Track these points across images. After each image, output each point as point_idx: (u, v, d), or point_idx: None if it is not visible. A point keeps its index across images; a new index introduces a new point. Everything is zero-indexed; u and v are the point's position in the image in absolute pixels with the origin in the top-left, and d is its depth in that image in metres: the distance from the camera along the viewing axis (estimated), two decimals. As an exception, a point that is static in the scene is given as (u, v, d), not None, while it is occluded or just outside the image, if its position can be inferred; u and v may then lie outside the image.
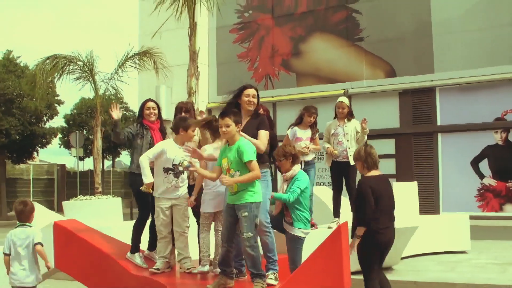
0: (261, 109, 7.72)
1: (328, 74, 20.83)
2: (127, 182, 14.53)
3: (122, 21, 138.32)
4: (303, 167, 10.18)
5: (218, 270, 6.76)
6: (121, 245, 8.49)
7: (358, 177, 10.35)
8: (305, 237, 7.24)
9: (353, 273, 8.83)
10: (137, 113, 8.77)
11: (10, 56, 34.47)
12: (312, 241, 6.05)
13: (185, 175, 7.53)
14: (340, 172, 10.40)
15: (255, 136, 6.79)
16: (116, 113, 8.15)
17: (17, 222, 7.47)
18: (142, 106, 8.41)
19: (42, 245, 7.23)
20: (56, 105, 36.42)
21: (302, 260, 7.02)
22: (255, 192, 6.29)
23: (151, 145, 7.96)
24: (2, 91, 31.73)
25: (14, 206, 7.62)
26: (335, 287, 5.80)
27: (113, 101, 8.42)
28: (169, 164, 7.38)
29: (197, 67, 15.45)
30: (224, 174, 6.34)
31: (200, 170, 6.71)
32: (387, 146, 19.04)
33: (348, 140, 10.38)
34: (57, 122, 40.58)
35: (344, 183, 10.56)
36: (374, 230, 7.01)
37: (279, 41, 21.94)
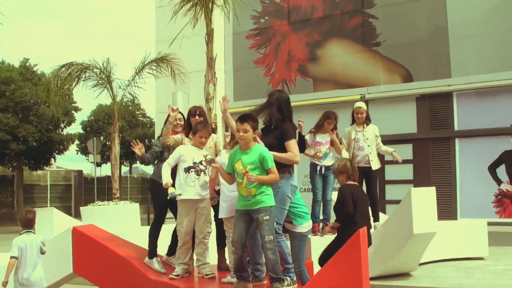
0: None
1: (344, 79, 20.81)
2: (146, 188, 14.49)
3: (138, 29, 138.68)
4: (323, 172, 10.22)
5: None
6: (139, 250, 8.53)
7: (379, 182, 10.45)
8: (308, 234, 7.28)
9: (372, 278, 8.87)
10: (154, 120, 8.83)
11: (27, 64, 34.73)
12: (323, 247, 6.04)
13: (206, 177, 7.49)
14: (362, 177, 10.40)
15: (272, 146, 6.74)
16: (139, 150, 8.32)
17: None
18: (168, 117, 8.48)
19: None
20: (73, 112, 36.64)
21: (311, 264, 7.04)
22: (271, 195, 6.33)
23: None
24: (19, 98, 31.98)
25: (22, 215, 8.03)
26: (354, 293, 5.80)
27: (133, 140, 8.51)
28: (189, 163, 7.43)
29: (215, 73, 15.49)
30: (239, 178, 6.34)
31: (221, 168, 6.70)
32: (405, 151, 18.92)
33: (369, 145, 10.41)
34: (75, 128, 40.83)
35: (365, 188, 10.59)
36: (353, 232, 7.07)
37: (295, 46, 21.95)
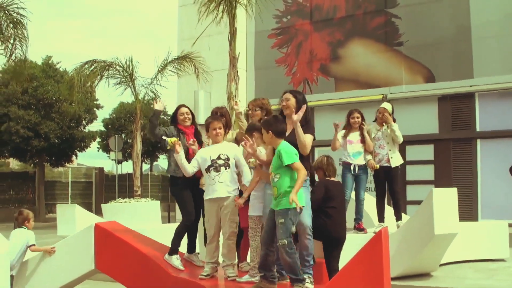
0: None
1: (366, 79, 20.74)
2: (166, 185, 14.54)
3: (160, 28, 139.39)
4: (356, 171, 10.24)
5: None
6: (160, 247, 8.58)
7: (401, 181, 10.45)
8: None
9: (393, 278, 8.86)
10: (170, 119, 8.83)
11: (50, 62, 34.99)
12: (355, 245, 6.06)
13: (228, 172, 7.43)
14: (383, 177, 10.41)
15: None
16: (159, 105, 8.30)
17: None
18: (176, 112, 8.48)
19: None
20: (95, 109, 36.88)
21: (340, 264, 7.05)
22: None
23: (187, 149, 8.04)
24: (41, 95, 32.23)
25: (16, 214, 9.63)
26: (375, 292, 5.81)
27: (157, 97, 8.56)
28: (208, 162, 7.43)
29: (237, 72, 15.55)
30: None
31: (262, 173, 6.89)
32: (426, 152, 18.92)
33: (388, 143, 10.41)
34: (96, 126, 41.11)
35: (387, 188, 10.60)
36: (326, 225, 7.47)
37: (317, 46, 21.91)
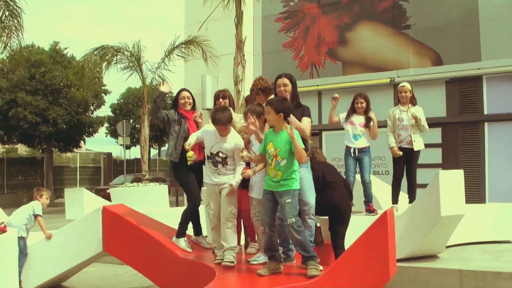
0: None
1: (374, 62, 20.67)
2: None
3: (167, 13, 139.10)
4: (356, 154, 10.24)
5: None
6: (167, 229, 8.65)
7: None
8: None
9: (399, 260, 8.89)
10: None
11: (57, 48, 35.05)
12: (363, 226, 6.08)
13: (224, 169, 7.37)
14: (403, 158, 10.42)
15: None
16: (165, 87, 8.33)
17: None
18: (177, 96, 8.51)
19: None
20: (103, 94, 36.98)
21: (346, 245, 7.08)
22: (296, 179, 6.39)
23: (187, 134, 8.04)
24: (49, 81, 32.32)
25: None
26: (381, 273, 5.84)
27: (164, 80, 8.60)
28: (207, 152, 7.43)
29: (244, 55, 15.55)
30: (270, 159, 6.41)
31: (259, 133, 6.84)
32: (434, 135, 18.82)
33: (412, 125, 10.39)
34: (104, 111, 41.30)
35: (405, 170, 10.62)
36: (332, 197, 7.55)
37: (324, 29, 21.83)
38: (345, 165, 10.41)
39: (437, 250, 9.71)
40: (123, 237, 8.55)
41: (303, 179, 6.61)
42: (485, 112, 18.26)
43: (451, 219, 9.03)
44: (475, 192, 17.79)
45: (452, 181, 9.00)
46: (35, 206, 9.82)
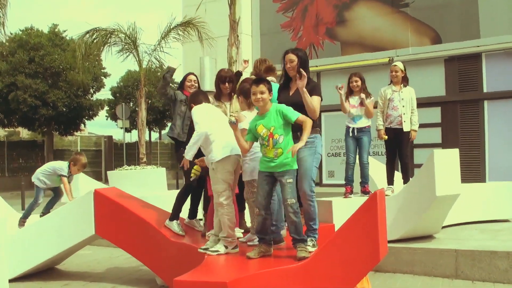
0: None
1: (373, 42, 20.54)
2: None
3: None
4: (355, 134, 10.14)
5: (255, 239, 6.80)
6: (160, 212, 8.64)
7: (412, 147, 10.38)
8: None
9: (394, 241, 8.84)
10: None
11: (56, 30, 34.92)
12: (357, 207, 6.00)
13: None
14: (394, 138, 10.32)
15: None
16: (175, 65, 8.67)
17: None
18: (184, 78, 8.80)
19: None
20: (102, 77, 36.90)
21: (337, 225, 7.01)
22: (295, 159, 6.30)
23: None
24: (48, 64, 32.24)
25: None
26: (371, 254, 5.76)
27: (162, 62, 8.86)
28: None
29: (237, 36, 15.49)
30: (265, 141, 6.30)
31: (238, 134, 6.58)
32: (433, 114, 18.79)
33: (403, 106, 10.29)
34: (104, 94, 41.35)
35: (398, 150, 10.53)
36: None
37: (323, 9, 21.68)
38: (345, 145, 10.34)
39: (433, 230, 9.64)
40: (115, 220, 8.54)
41: (303, 161, 6.56)
42: (485, 90, 18.17)
43: (447, 199, 8.95)
44: (475, 171, 17.74)
45: (447, 161, 8.90)
46: (63, 166, 10.48)
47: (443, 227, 10.07)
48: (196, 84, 8.77)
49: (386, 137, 10.33)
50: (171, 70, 8.60)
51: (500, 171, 17.66)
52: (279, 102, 6.65)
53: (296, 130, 6.41)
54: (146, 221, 8.13)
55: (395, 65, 10.58)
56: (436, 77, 18.92)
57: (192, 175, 7.54)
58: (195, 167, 7.36)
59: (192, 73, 8.94)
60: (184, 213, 8.38)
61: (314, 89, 6.84)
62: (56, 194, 11.03)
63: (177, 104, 8.50)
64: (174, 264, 7.60)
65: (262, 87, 6.34)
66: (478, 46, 18.08)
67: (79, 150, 38.80)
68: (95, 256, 11.30)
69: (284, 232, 6.97)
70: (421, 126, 10.95)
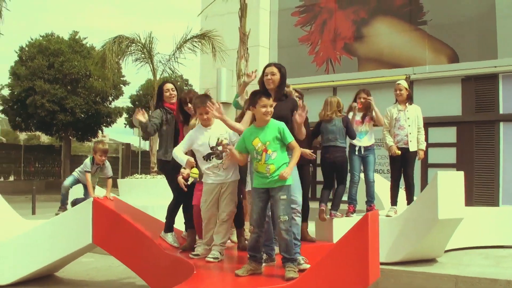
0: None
1: (390, 58, 20.34)
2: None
3: (184, 5, 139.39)
4: (362, 152, 10.02)
5: None
6: (157, 224, 8.71)
7: (417, 165, 10.21)
8: None
9: (396, 263, 8.68)
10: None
11: (77, 37, 35.15)
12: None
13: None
14: (400, 158, 10.18)
15: (288, 117, 6.74)
16: (141, 117, 8.11)
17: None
18: (161, 89, 8.50)
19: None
20: (121, 85, 37.09)
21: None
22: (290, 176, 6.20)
23: (176, 130, 8.10)
24: (67, 70, 32.42)
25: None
26: (360, 278, 5.63)
27: (137, 108, 8.44)
28: (207, 149, 7.20)
29: (247, 49, 15.42)
30: (258, 155, 6.22)
31: (233, 149, 6.49)
32: (449, 134, 18.52)
33: (409, 125, 10.17)
34: (123, 102, 41.61)
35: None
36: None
37: (341, 24, 21.53)
38: (349, 164, 10.15)
39: (435, 254, 9.46)
40: (112, 229, 8.58)
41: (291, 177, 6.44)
42: (501, 112, 17.88)
43: (449, 223, 8.80)
44: (489, 193, 17.46)
45: (451, 183, 8.76)
46: (87, 161, 10.33)
47: (447, 250, 9.91)
48: (175, 92, 8.47)
49: (399, 152, 10.16)
50: (146, 124, 8.09)
51: (514, 194, 17.35)
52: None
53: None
54: (141, 231, 8.13)
55: (399, 84, 10.50)
56: (452, 96, 18.66)
57: (190, 178, 7.44)
58: (193, 169, 7.25)
59: (168, 81, 8.73)
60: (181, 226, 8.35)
61: (295, 106, 7.14)
62: (86, 191, 10.94)
63: (161, 126, 8.29)
64: (163, 276, 7.60)
65: (271, 101, 6.33)
66: (495, 67, 17.82)
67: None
68: (95, 264, 11.27)
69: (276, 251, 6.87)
70: (436, 145, 10.86)
